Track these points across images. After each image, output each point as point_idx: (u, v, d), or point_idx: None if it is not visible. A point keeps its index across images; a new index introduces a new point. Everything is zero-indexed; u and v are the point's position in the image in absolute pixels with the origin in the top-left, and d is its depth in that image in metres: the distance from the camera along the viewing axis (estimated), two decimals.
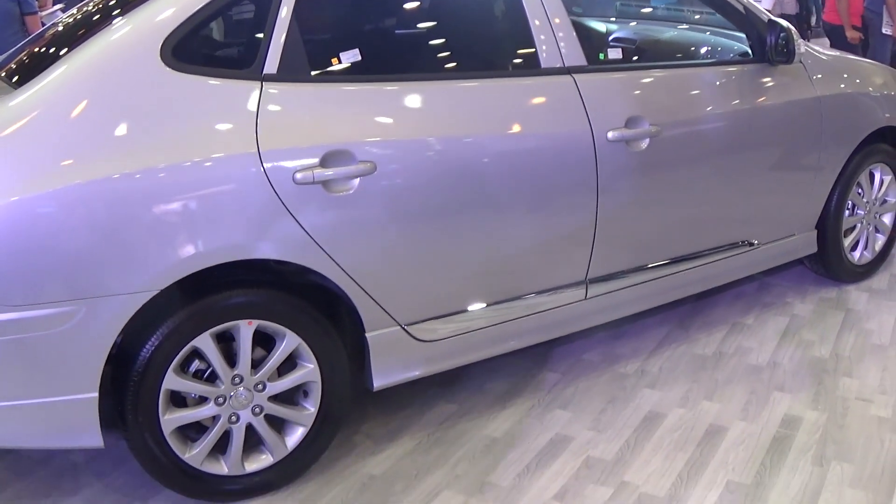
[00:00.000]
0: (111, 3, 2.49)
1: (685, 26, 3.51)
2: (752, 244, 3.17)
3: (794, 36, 2.91)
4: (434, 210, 2.37)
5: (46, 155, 1.98)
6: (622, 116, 2.62)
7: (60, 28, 2.67)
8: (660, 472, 2.49)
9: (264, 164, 2.12)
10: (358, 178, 2.21)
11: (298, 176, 2.15)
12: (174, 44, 2.13)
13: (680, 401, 2.84)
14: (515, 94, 2.52)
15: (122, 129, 2.04)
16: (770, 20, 2.97)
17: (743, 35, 3.07)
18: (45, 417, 2.10)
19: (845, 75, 3.28)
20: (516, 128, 2.48)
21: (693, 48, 3.34)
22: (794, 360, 3.08)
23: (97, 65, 2.09)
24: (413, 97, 2.37)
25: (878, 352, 3.12)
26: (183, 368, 2.22)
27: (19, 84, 2.15)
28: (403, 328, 2.45)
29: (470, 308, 2.57)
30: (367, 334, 2.40)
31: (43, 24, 4.83)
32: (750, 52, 3.04)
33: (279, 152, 2.14)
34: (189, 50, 2.16)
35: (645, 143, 2.67)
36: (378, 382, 2.47)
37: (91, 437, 2.14)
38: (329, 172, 2.18)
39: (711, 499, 2.38)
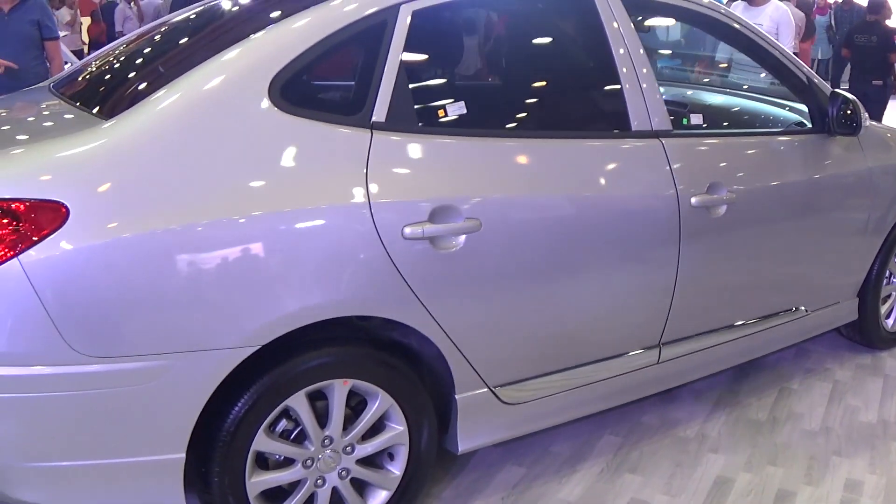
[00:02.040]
0: (198, 28, 2.44)
1: (744, 93, 3.61)
2: (805, 311, 3.22)
3: (860, 109, 3.01)
4: (532, 269, 2.37)
5: (147, 193, 1.88)
6: (704, 182, 2.68)
7: (135, 50, 2.60)
8: None
9: (375, 217, 2.07)
10: (464, 235, 2.20)
11: (407, 231, 2.11)
12: (282, 83, 2.04)
13: (745, 465, 2.84)
14: (610, 155, 2.56)
15: (227, 171, 1.95)
16: (833, 92, 3.07)
17: (800, 105, 3.17)
18: (126, 479, 1.99)
19: (891, 145, 3.40)
20: (611, 189, 2.52)
21: (754, 116, 3.43)
22: (845, 426, 3.12)
23: (203, 99, 2.00)
24: (516, 154, 2.37)
25: None
26: (270, 428, 2.14)
27: (103, 112, 2.08)
28: (492, 390, 2.43)
29: (552, 371, 2.56)
30: (456, 395, 2.37)
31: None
32: (809, 122, 3.12)
33: (389, 205, 2.09)
34: (297, 91, 2.08)
35: (723, 210, 2.72)
36: (463, 446, 2.43)
37: (174, 500, 2.04)
38: (438, 228, 2.16)
39: None
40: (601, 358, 2.66)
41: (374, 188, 2.08)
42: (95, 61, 2.76)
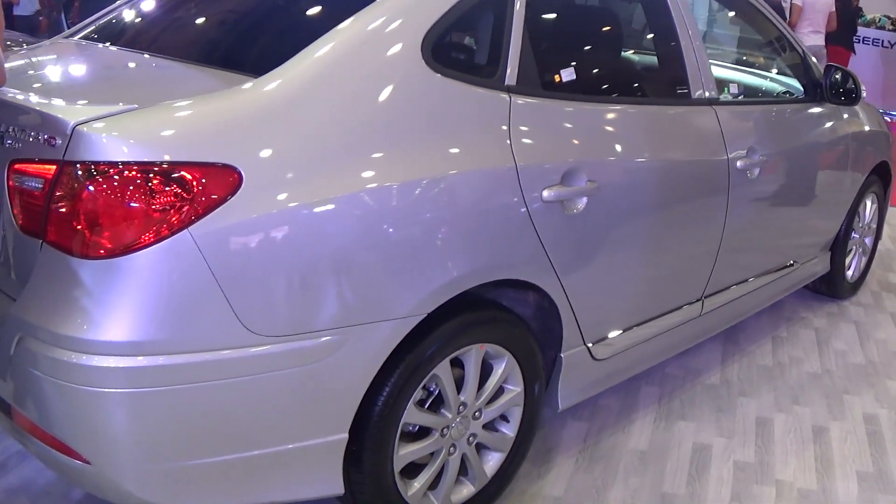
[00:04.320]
0: None
1: (750, 66, 3.87)
2: (795, 264, 3.54)
3: (859, 81, 3.33)
4: (632, 228, 2.48)
5: (312, 157, 1.76)
6: (745, 147, 2.89)
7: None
8: (800, 469, 2.73)
9: (521, 181, 2.08)
10: (585, 197, 2.26)
11: (546, 194, 2.13)
12: (433, 41, 1.98)
13: (775, 406, 3.12)
14: (687, 121, 2.71)
15: (388, 133, 1.87)
16: (828, 66, 3.38)
17: (795, 78, 3.47)
18: (286, 468, 1.87)
19: (862, 116, 3.78)
20: (687, 152, 2.67)
21: (766, 87, 3.69)
22: (841, 367, 3.49)
23: (360, 56, 1.89)
24: (622, 118, 2.47)
25: None
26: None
27: (242, 69, 1.93)
28: (587, 347, 2.52)
29: (631, 326, 2.69)
30: (562, 354, 2.44)
31: None
32: (810, 93, 3.41)
33: (531, 168, 2.11)
34: (443, 50, 2.02)
35: (756, 171, 2.94)
36: (563, 404, 2.51)
37: (334, 483, 1.96)
38: (570, 191, 2.20)
39: (853, 489, 2.65)
40: (666, 311, 2.82)
41: (517, 152, 2.09)
42: (168, 8, 2.56)
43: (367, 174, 1.82)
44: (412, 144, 1.91)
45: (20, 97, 1.85)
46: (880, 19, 8.97)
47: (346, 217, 1.79)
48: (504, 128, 2.09)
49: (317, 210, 1.75)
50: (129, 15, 2.63)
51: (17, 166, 1.75)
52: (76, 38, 2.58)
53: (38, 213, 1.70)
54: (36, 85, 2.17)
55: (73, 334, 1.63)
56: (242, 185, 1.67)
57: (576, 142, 2.29)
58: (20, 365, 1.73)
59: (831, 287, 4.04)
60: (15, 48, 2.55)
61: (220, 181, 1.66)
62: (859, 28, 8.26)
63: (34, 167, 1.71)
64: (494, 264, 2.10)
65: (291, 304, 1.76)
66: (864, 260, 4.19)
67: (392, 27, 1.96)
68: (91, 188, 1.62)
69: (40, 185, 1.69)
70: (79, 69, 2.38)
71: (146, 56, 2.28)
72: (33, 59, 2.39)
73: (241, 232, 1.68)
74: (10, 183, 1.77)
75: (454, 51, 2.19)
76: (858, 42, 8.20)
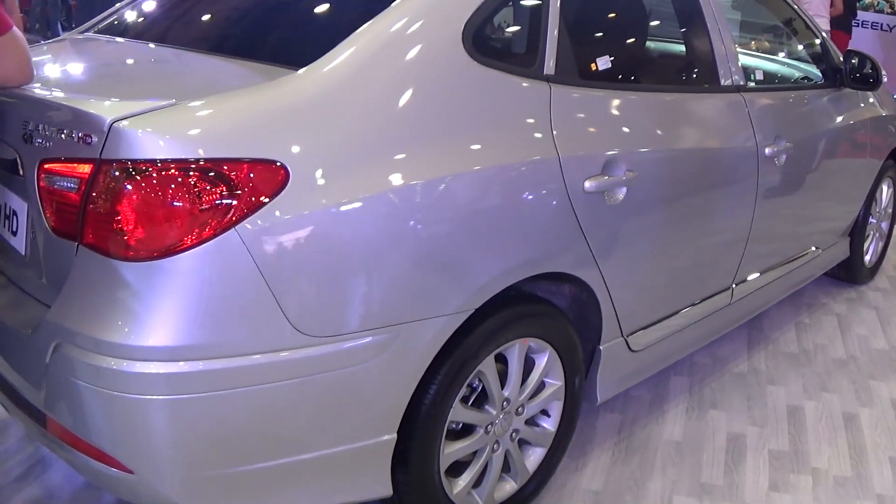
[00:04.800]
0: None
1: (770, 53, 3.86)
2: (816, 250, 3.54)
3: (879, 66, 3.33)
4: (670, 218, 2.47)
5: (357, 151, 1.72)
6: (772, 133, 2.88)
7: None
8: (834, 456, 2.74)
9: (564, 172, 2.06)
10: (625, 188, 2.24)
11: (587, 185, 2.11)
12: (473, 30, 1.94)
13: (804, 394, 3.12)
14: (718, 108, 2.70)
15: (433, 126, 1.83)
16: (848, 51, 3.37)
17: (816, 63, 3.46)
18: (331, 472, 1.84)
19: (876, 100, 3.77)
20: (720, 140, 2.66)
21: (786, 73, 3.67)
22: (865, 353, 3.49)
23: (402, 47, 1.85)
24: (658, 107, 2.45)
25: None
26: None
27: (278, 61, 1.88)
28: (625, 339, 2.51)
29: (665, 316, 2.68)
30: (601, 346, 2.43)
31: None
32: (829, 78, 3.41)
33: (573, 159, 2.08)
34: (483, 39, 1.99)
35: (783, 158, 2.93)
36: (602, 396, 2.50)
37: (382, 485, 1.94)
38: (611, 181, 2.18)
39: (887, 475, 2.66)
40: (699, 300, 2.81)
41: (559, 142, 2.06)
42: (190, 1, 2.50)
43: (415, 167, 1.78)
44: (459, 136, 1.88)
45: (50, 94, 1.80)
46: (879, 2, 8.98)
47: (395, 211, 1.75)
48: (546, 118, 2.06)
49: (366, 205, 1.70)
50: (147, 8, 2.58)
51: (48, 166, 1.70)
52: (92, 32, 2.52)
53: (73, 214, 1.64)
54: (64, 81, 2.12)
55: (116, 340, 1.58)
56: (289, 182, 1.62)
57: (614, 131, 2.27)
58: (57, 372, 1.68)
59: (850, 272, 4.04)
60: (33, 45, 2.51)
61: (267, 178, 1.61)
62: (858, 11, 8.27)
63: (68, 166, 1.66)
64: (541, 257, 2.08)
65: (341, 302, 1.72)
66: (880, 244, 4.20)
67: (433, 16, 1.92)
68: (132, 187, 1.56)
69: (74, 185, 1.64)
70: (105, 64, 2.31)
71: (171, 50, 2.22)
72: (56, 55, 2.34)
73: (289, 230, 1.63)
74: (41, 184, 1.71)
75: (493, 40, 2.15)
76: (857, 26, 8.18)
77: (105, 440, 1.68)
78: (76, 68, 2.26)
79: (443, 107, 1.88)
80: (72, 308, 1.66)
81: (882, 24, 8.80)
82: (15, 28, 1.81)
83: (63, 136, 1.66)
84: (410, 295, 1.81)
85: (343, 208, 1.67)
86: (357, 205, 1.69)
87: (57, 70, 2.21)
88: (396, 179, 1.75)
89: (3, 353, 1.91)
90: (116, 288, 1.60)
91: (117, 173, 1.57)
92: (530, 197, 2.01)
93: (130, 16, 2.56)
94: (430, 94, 1.86)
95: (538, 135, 2.04)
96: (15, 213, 1.90)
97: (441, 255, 1.85)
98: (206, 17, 2.46)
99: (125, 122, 1.57)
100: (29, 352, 1.76)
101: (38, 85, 1.85)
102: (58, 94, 1.78)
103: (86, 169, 1.61)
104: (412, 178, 1.77)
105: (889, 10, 8.66)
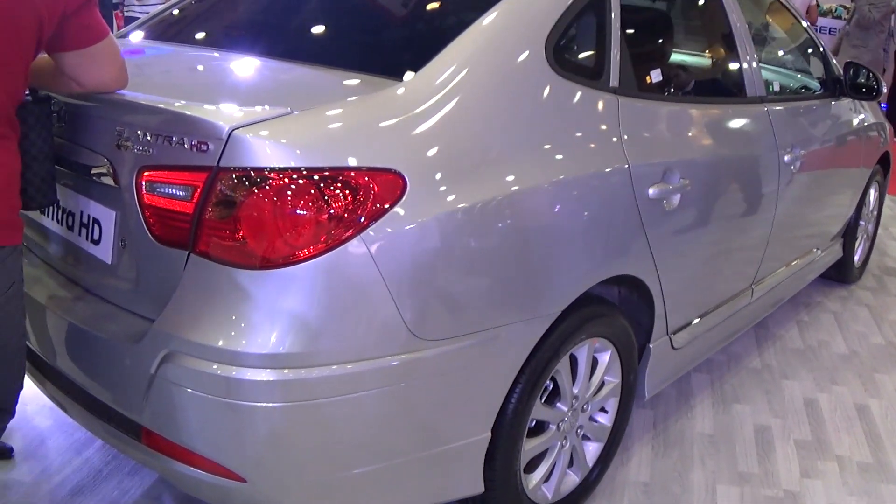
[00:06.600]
0: None
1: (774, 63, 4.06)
2: (817, 251, 3.76)
3: (880, 76, 3.56)
4: (712, 222, 2.63)
5: (463, 159, 1.79)
6: (789, 142, 3.07)
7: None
8: (854, 444, 2.94)
9: (633, 180, 2.18)
10: (679, 194, 2.38)
11: (651, 191, 2.25)
12: (553, 43, 2.03)
13: (817, 387, 3.33)
14: (746, 118, 2.88)
15: (528, 136, 1.94)
16: (847, 63, 3.60)
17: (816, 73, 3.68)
18: (436, 468, 1.91)
19: (867, 108, 4.01)
20: (751, 149, 2.85)
21: (792, 84, 3.87)
22: (865, 348, 3.72)
23: (495, 57, 1.93)
24: (705, 117, 2.63)
25: None
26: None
27: (374, 70, 1.93)
28: (669, 337, 2.67)
29: (701, 315, 2.84)
30: (650, 344, 2.58)
31: None
32: (829, 89, 3.62)
33: (640, 168, 2.21)
34: (560, 52, 2.07)
35: (798, 165, 3.13)
36: (649, 392, 2.65)
37: (475, 483, 2.02)
38: (670, 189, 2.32)
39: None
40: (727, 299, 2.99)
41: (629, 151, 2.20)
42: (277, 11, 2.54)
43: (512, 176, 1.87)
44: (545, 144, 1.99)
45: (154, 100, 1.76)
46: (836, 9, 9.37)
47: (499, 218, 1.84)
48: (616, 128, 2.19)
49: (474, 212, 1.78)
50: (215, 16, 2.61)
51: (149, 173, 1.70)
52: (148, 37, 2.50)
53: (181, 222, 1.66)
54: (162, 88, 2.06)
55: (235, 348, 1.60)
56: (407, 190, 1.69)
57: (669, 141, 2.42)
58: (166, 383, 1.69)
59: (841, 272, 4.28)
60: None
61: (388, 186, 1.67)
62: (817, 17, 8.66)
63: (178, 175, 1.67)
64: (615, 260, 2.22)
65: (453, 305, 1.80)
66: (867, 245, 4.45)
67: (519, 29, 2.02)
68: (255, 196, 1.58)
69: (184, 193, 1.65)
70: (193, 71, 2.28)
71: (259, 59, 2.21)
72: (142, 62, 2.31)
73: (409, 237, 1.69)
74: (143, 192, 1.71)
75: (568, 53, 2.25)
76: (816, 31, 8.57)
77: (216, 449, 1.70)
78: (169, 76, 2.23)
79: (533, 117, 1.98)
80: (183, 317, 1.67)
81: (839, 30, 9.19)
82: (111, 33, 1.80)
83: (170, 143, 1.66)
84: (512, 297, 1.92)
85: (454, 215, 1.75)
86: (470, 212, 1.77)
87: (149, 76, 2.14)
88: (503, 187, 1.84)
89: (83, 366, 1.92)
90: (238, 297, 1.62)
91: (238, 181, 1.59)
92: (607, 203, 2.15)
93: (198, 22, 2.58)
94: (522, 106, 1.96)
95: (611, 144, 2.17)
96: (97, 222, 1.89)
97: (538, 259, 1.96)
98: (282, 26, 2.49)
99: (244, 130, 1.59)
100: (127, 363, 1.76)
101: (134, 91, 1.81)
102: (164, 101, 1.74)
103: (200, 177, 1.62)
104: (515, 186, 1.87)
105: (846, 17, 9.05)
